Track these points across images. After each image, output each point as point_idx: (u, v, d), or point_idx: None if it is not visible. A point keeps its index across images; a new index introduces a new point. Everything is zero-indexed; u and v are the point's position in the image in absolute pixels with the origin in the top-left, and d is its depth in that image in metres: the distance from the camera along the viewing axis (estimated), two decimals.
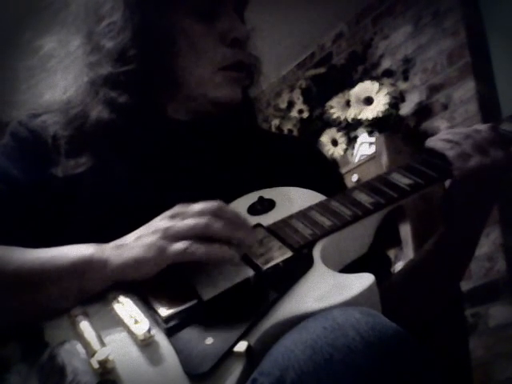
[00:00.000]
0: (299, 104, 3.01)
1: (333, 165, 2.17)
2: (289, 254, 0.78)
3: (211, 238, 0.73)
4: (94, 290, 0.74)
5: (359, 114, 2.57)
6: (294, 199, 0.90)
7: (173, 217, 0.75)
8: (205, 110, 0.99)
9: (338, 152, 2.69)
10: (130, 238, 0.75)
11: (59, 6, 1.00)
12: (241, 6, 1.02)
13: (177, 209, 0.76)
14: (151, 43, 0.95)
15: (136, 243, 0.74)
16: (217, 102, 0.97)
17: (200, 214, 0.74)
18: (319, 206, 0.86)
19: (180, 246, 0.72)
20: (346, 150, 2.68)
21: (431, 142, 0.94)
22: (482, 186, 0.91)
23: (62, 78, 0.99)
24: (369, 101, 2.57)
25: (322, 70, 3.08)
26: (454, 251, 0.96)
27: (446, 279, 1.00)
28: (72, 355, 0.65)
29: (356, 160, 2.59)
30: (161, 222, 0.75)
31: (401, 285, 0.98)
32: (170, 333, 0.68)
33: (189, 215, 0.74)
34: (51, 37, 1.01)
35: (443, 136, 0.94)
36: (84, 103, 0.95)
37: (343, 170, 2.56)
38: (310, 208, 0.86)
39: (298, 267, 0.75)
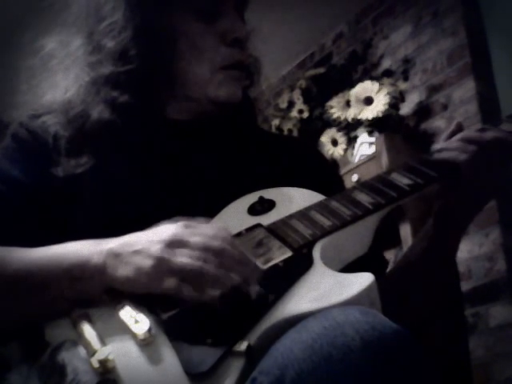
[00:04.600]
0: (299, 104, 3.01)
1: (332, 165, 2.18)
2: (288, 253, 0.78)
3: None
4: (90, 293, 0.75)
5: (359, 114, 2.56)
6: (293, 199, 0.90)
7: (172, 244, 0.72)
8: (205, 110, 0.99)
9: (338, 152, 2.69)
10: (127, 248, 0.74)
11: (60, 7, 1.00)
12: (241, 6, 1.02)
13: (179, 234, 0.73)
14: (152, 43, 0.95)
15: (131, 259, 0.73)
16: (217, 101, 0.97)
17: (200, 251, 0.72)
18: (319, 206, 0.86)
19: (171, 284, 0.70)
20: (346, 150, 2.68)
21: (446, 154, 0.93)
22: (483, 184, 0.92)
23: (63, 78, 0.99)
24: (369, 101, 2.57)
25: (321, 70, 3.07)
26: (444, 246, 0.97)
27: (435, 272, 1.00)
28: (72, 354, 0.65)
29: (356, 160, 2.59)
30: (158, 246, 0.72)
31: (394, 282, 0.99)
32: (170, 332, 0.68)
33: (189, 249, 0.72)
34: (52, 37, 1.01)
35: (452, 145, 0.94)
36: (85, 103, 0.95)
37: (343, 170, 2.56)
38: (310, 208, 0.86)
39: (297, 267, 0.76)
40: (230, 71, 0.97)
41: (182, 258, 0.71)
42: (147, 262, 0.71)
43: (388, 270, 1.03)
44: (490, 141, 0.92)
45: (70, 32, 1.00)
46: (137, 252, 0.73)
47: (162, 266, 0.71)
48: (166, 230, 0.75)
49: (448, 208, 0.95)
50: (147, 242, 0.73)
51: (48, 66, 1.00)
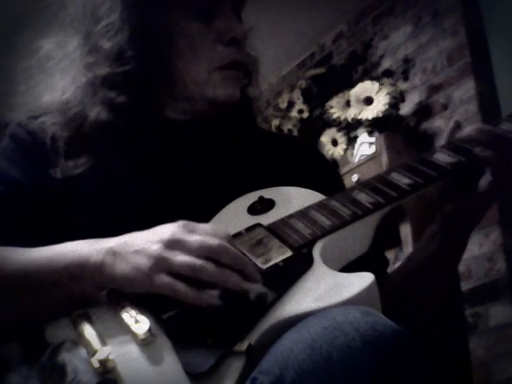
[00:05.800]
0: (299, 104, 3.01)
1: (332, 165, 2.17)
2: (288, 253, 0.78)
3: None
4: (90, 292, 0.75)
5: (359, 114, 2.56)
6: (293, 199, 0.90)
7: (170, 244, 0.72)
8: (203, 110, 0.99)
9: (338, 152, 2.69)
10: (126, 247, 0.74)
11: (57, 8, 1.00)
12: (238, 6, 1.02)
13: (178, 233, 0.73)
14: (149, 43, 0.95)
15: (129, 258, 0.73)
16: (215, 101, 0.97)
17: (200, 249, 0.72)
18: (319, 206, 0.86)
19: (169, 283, 0.70)
20: (346, 150, 2.68)
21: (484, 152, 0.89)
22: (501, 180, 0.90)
23: (60, 79, 0.99)
24: (369, 101, 2.57)
25: (321, 70, 3.08)
26: (452, 250, 0.96)
27: (443, 274, 1.00)
28: (73, 354, 0.65)
29: (356, 160, 2.59)
30: (157, 246, 0.72)
31: (399, 283, 0.98)
32: (170, 332, 0.68)
33: (188, 248, 0.72)
34: (49, 38, 1.01)
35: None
36: (82, 104, 0.95)
37: (343, 170, 2.56)
38: (310, 207, 0.86)
39: (297, 267, 0.76)
40: (228, 71, 0.97)
41: (181, 257, 0.71)
42: (146, 262, 0.71)
43: (389, 271, 1.03)
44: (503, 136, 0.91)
45: (67, 33, 1.00)
46: (136, 251, 0.73)
47: (160, 265, 0.71)
48: (164, 230, 0.75)
49: (460, 210, 0.93)
50: (146, 242, 0.73)
51: (45, 67, 1.00)
